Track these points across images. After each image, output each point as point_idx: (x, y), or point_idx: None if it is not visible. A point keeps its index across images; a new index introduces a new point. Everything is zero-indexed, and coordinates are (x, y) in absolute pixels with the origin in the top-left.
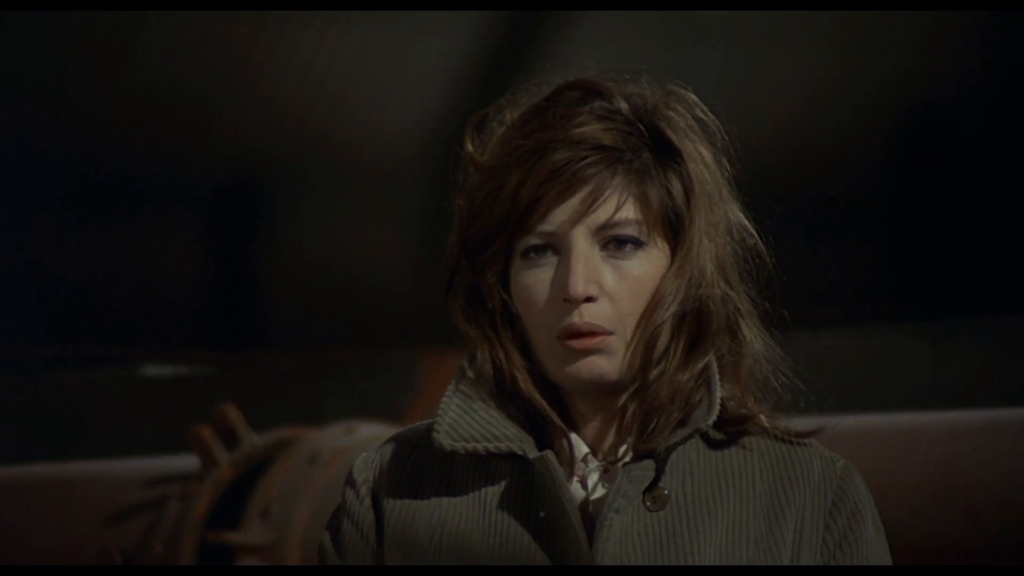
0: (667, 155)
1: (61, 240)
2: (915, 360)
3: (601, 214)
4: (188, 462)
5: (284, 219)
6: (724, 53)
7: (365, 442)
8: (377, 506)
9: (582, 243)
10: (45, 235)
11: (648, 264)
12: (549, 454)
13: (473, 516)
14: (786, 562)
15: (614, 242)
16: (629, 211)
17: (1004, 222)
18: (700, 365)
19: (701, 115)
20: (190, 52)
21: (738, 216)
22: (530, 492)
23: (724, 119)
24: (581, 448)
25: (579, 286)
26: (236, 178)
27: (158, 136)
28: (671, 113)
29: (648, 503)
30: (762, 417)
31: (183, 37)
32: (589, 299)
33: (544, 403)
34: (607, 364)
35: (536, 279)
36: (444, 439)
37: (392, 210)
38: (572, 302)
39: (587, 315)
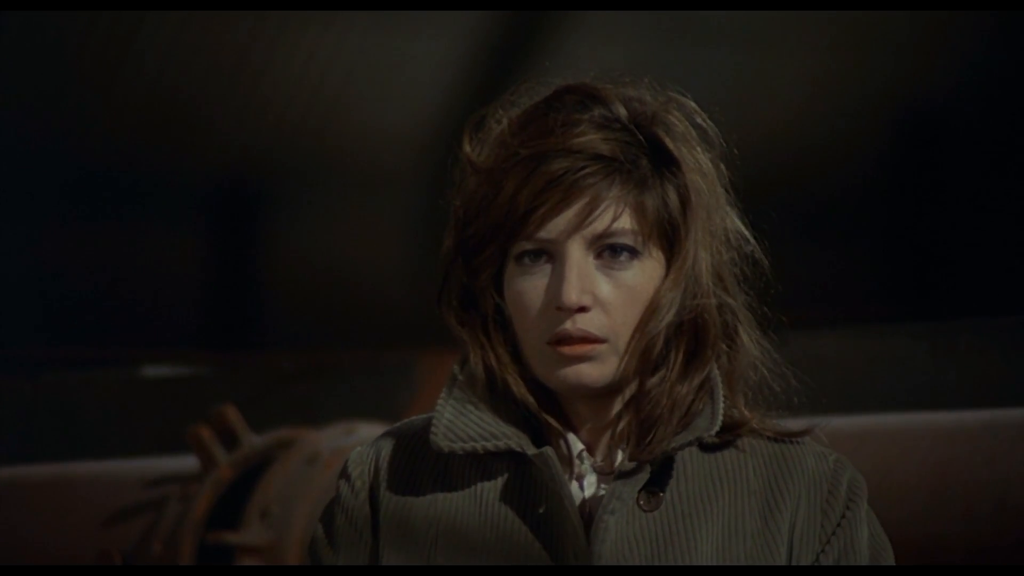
0: (664, 164)
1: (61, 241)
2: (915, 360)
3: (598, 224)
4: (188, 463)
5: (284, 219)
6: (723, 54)
7: (365, 443)
8: (373, 500)
9: (577, 252)
10: (45, 236)
11: (643, 274)
12: (549, 450)
13: (470, 511)
14: (783, 556)
15: (609, 251)
16: (625, 221)
17: (1003, 222)
18: (700, 377)
19: (700, 122)
20: (189, 53)
21: (736, 223)
22: (528, 488)
23: (723, 126)
24: (577, 446)
25: (573, 295)
26: (236, 178)
27: (157, 137)
28: (670, 120)
29: (642, 504)
30: (754, 421)
31: (182, 38)
32: (582, 309)
33: (537, 406)
34: (596, 372)
35: (529, 285)
36: (442, 441)
37: (391, 210)
38: (565, 311)
39: (580, 323)
